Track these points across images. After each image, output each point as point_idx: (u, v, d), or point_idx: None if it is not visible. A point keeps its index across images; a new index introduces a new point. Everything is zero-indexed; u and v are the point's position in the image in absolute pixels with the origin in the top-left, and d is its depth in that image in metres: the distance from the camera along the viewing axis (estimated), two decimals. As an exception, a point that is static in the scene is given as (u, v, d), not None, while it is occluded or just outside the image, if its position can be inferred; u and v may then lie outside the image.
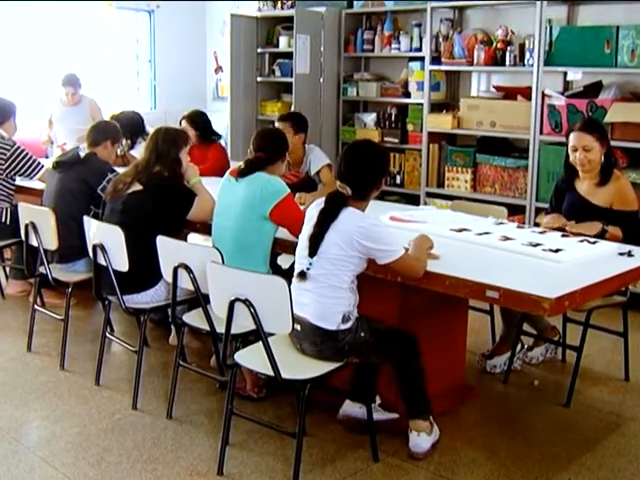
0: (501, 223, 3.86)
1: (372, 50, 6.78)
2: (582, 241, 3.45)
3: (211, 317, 3.24)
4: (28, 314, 4.39)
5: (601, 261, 3.21)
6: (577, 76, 5.52)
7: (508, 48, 5.69)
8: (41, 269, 4.19)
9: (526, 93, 5.60)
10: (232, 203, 3.53)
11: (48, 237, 4.06)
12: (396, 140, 6.52)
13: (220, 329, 3.11)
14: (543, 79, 5.45)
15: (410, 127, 6.47)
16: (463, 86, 6.41)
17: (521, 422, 3.54)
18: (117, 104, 7.23)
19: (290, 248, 3.37)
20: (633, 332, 4.05)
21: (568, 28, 5.50)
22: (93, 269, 3.81)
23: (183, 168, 3.85)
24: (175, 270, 3.33)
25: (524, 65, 5.61)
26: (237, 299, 2.85)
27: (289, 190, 3.53)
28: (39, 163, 4.99)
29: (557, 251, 3.22)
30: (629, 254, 3.28)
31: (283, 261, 3.89)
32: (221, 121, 7.17)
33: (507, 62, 5.71)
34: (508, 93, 5.89)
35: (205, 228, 3.85)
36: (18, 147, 4.94)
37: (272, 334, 2.96)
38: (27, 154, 4.95)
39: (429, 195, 6.24)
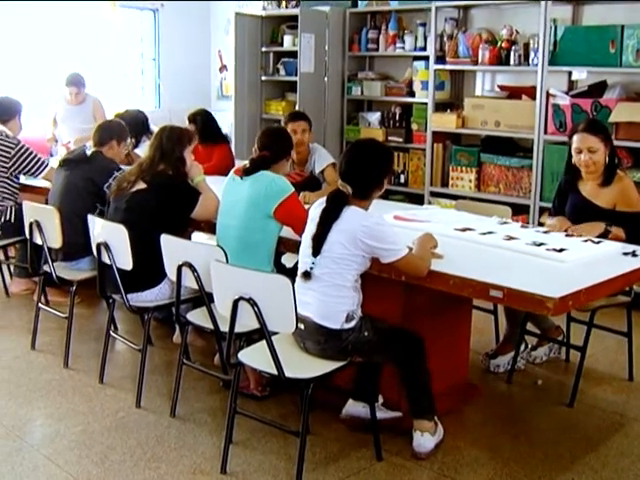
0: (505, 223, 3.86)
1: (376, 49, 6.78)
2: (586, 241, 3.45)
3: (215, 316, 3.24)
4: (32, 312, 4.40)
5: (605, 261, 3.21)
6: (582, 76, 5.51)
7: (513, 48, 5.68)
8: (45, 267, 4.20)
9: (531, 93, 5.60)
10: (236, 202, 3.53)
11: (52, 235, 4.06)
12: (400, 139, 6.52)
13: (224, 328, 3.11)
14: (548, 79, 5.44)
15: (414, 126, 6.46)
16: (467, 85, 6.41)
17: (524, 422, 3.53)
18: (121, 103, 7.25)
19: (294, 247, 3.37)
20: (637, 332, 4.05)
21: (573, 28, 5.49)
22: (97, 267, 3.81)
23: (187, 167, 3.86)
24: (179, 269, 3.34)
25: (529, 65, 5.60)
26: (241, 298, 2.85)
27: (293, 189, 3.54)
28: (44, 161, 5.00)
29: (561, 251, 3.22)
30: (633, 254, 3.28)
31: (287, 260, 3.89)
32: (225, 120, 7.17)
33: (512, 62, 5.70)
34: (513, 93, 5.89)
35: (209, 227, 3.85)
36: (23, 145, 4.95)
37: (276, 333, 2.96)
38: (31, 152, 4.96)
39: (433, 194, 6.23)
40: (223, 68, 8.63)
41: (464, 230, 3.61)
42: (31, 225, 4.16)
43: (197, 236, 4.44)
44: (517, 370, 4.01)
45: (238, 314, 2.90)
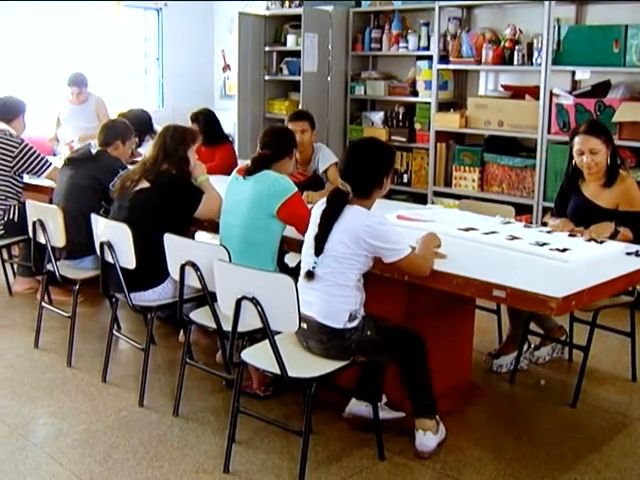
0: (508, 222, 3.85)
1: (380, 49, 6.78)
2: (589, 240, 3.45)
3: (218, 315, 3.24)
4: (35, 311, 4.41)
5: (608, 261, 3.21)
6: (585, 75, 5.51)
7: (516, 47, 5.68)
8: (49, 266, 4.21)
9: (534, 92, 5.59)
10: (239, 201, 3.53)
11: (56, 234, 4.07)
12: (404, 139, 6.52)
13: (227, 327, 3.11)
14: (551, 78, 5.44)
15: (418, 126, 6.46)
16: (471, 85, 6.41)
17: (527, 422, 3.53)
18: (125, 102, 7.25)
19: (297, 246, 3.37)
20: (640, 332, 4.05)
21: (576, 27, 5.48)
22: (100, 266, 3.82)
23: (191, 166, 3.86)
24: (182, 268, 3.34)
25: (532, 64, 5.60)
26: (244, 297, 2.85)
27: (296, 188, 3.53)
28: (47, 161, 5.01)
29: (564, 250, 3.22)
30: (636, 254, 3.27)
31: (290, 259, 3.89)
32: (229, 119, 7.18)
33: (515, 61, 5.70)
34: (516, 92, 5.88)
35: (213, 226, 3.86)
36: (26, 145, 4.95)
37: (279, 332, 2.96)
38: (35, 152, 4.97)
39: (436, 194, 6.23)
40: (226, 67, 8.63)
41: (467, 230, 3.61)
42: (34, 224, 4.17)
43: (200, 235, 4.44)
44: (520, 370, 4.01)
45: (241, 313, 2.90)
